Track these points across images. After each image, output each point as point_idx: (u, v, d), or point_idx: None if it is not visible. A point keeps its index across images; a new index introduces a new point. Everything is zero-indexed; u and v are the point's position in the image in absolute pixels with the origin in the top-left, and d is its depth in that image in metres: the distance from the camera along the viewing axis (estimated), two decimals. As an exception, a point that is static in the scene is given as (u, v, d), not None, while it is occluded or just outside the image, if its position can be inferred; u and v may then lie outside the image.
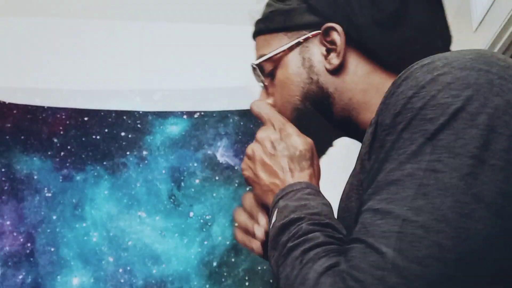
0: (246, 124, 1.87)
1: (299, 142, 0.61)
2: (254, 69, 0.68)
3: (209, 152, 1.84)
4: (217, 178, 1.81)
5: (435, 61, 0.48)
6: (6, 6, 1.99)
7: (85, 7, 2.00)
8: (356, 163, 0.56)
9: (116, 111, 1.87)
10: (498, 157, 0.42)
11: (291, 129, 0.62)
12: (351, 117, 0.63)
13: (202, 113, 1.89)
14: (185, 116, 1.89)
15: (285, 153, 0.60)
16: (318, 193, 0.57)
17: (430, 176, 0.42)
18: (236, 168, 1.82)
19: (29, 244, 1.69)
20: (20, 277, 1.66)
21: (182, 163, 1.82)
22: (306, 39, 0.63)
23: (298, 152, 0.60)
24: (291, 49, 0.64)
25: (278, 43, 0.65)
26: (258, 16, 0.71)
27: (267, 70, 0.67)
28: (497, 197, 0.41)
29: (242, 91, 1.87)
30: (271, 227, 0.55)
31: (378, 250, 0.41)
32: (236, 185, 1.79)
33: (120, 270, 1.69)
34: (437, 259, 0.40)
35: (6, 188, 1.74)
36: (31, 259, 1.68)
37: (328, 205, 0.56)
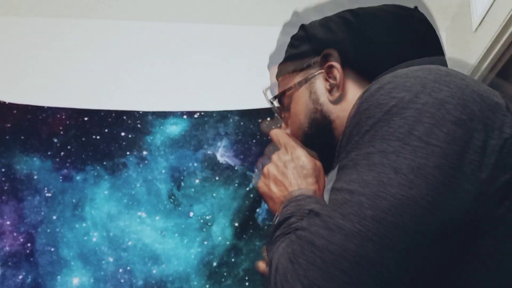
0: (246, 124, 1.87)
1: (307, 162, 0.72)
2: (271, 103, 0.84)
3: (209, 152, 1.84)
4: (217, 178, 1.81)
5: (386, 75, 0.58)
6: (6, 6, 1.99)
7: (85, 7, 2.00)
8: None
9: (116, 111, 1.87)
10: (420, 139, 0.50)
11: (301, 152, 0.74)
12: None
13: (202, 113, 1.89)
14: (185, 116, 1.89)
15: (294, 171, 0.72)
16: (316, 199, 0.65)
17: (365, 157, 0.52)
18: (236, 168, 1.82)
19: (29, 244, 1.69)
20: (20, 277, 1.66)
21: (182, 163, 1.82)
22: (313, 77, 0.76)
23: (305, 171, 0.71)
24: (300, 85, 0.77)
25: (292, 81, 0.79)
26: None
27: (285, 105, 0.81)
28: (414, 170, 0.48)
29: (242, 91, 1.87)
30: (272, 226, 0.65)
31: (317, 213, 0.52)
32: (236, 185, 1.79)
33: (120, 270, 1.69)
34: (357, 214, 0.48)
35: (6, 188, 1.74)
36: (31, 259, 1.68)
37: (324, 204, 0.63)
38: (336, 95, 0.72)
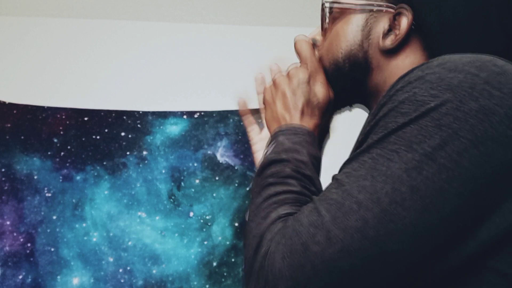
0: (246, 124, 1.87)
1: (321, 91, 0.66)
2: (323, 9, 0.71)
3: (209, 152, 1.84)
4: (217, 178, 1.81)
5: (434, 61, 0.50)
6: (6, 6, 1.99)
7: (85, 7, 2.00)
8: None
9: (116, 111, 1.87)
10: (450, 158, 0.44)
11: (320, 77, 0.67)
12: (376, 95, 0.65)
13: (202, 113, 1.89)
14: (185, 116, 1.89)
15: (305, 95, 0.66)
16: (314, 143, 0.62)
17: (384, 163, 0.46)
18: (236, 168, 1.82)
19: (29, 244, 1.69)
20: (20, 277, 1.66)
21: (182, 163, 1.82)
22: (379, 9, 0.65)
23: (316, 99, 0.66)
24: (362, 10, 0.66)
25: None
26: None
27: (333, 14, 0.70)
28: (433, 194, 0.44)
29: (242, 91, 1.87)
30: (264, 155, 0.61)
31: (319, 212, 0.48)
32: (236, 185, 1.79)
33: (120, 270, 1.69)
34: (359, 231, 0.45)
35: (6, 188, 1.74)
36: (31, 259, 1.68)
37: (318, 159, 0.61)
38: (388, 45, 0.63)
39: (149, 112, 1.89)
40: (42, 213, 1.72)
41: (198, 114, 1.89)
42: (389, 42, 0.64)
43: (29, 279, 1.66)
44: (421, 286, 0.47)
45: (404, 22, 0.62)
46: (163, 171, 1.81)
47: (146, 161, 1.82)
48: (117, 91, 1.92)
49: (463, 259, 0.46)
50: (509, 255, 0.46)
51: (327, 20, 0.71)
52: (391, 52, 0.63)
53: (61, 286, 1.66)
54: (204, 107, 1.90)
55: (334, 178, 0.51)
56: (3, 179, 1.75)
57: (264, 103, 0.72)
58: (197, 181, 1.81)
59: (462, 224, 0.45)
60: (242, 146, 1.84)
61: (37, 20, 2.03)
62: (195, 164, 1.83)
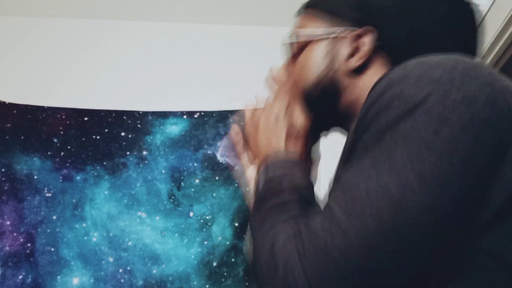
0: (246, 124, 1.87)
1: (300, 120, 0.69)
2: (288, 38, 0.74)
3: (209, 152, 1.84)
4: (217, 178, 1.81)
5: (411, 61, 0.53)
6: (6, 6, 1.99)
7: (85, 7, 2.00)
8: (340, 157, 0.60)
9: (116, 111, 1.87)
10: (447, 143, 0.47)
11: (296, 107, 0.70)
12: (352, 115, 0.66)
13: (202, 113, 1.89)
14: (185, 116, 1.89)
15: (285, 126, 0.68)
16: (303, 166, 0.64)
17: (385, 159, 0.48)
18: (236, 168, 1.82)
19: (29, 244, 1.69)
20: (20, 277, 1.66)
21: (182, 163, 1.82)
22: (342, 32, 0.67)
23: (296, 128, 0.69)
24: (325, 36, 0.68)
25: (318, 24, 0.70)
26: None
27: (297, 45, 0.72)
28: (440, 179, 0.46)
29: (242, 91, 1.87)
30: (258, 188, 0.62)
31: (333, 217, 0.48)
32: (236, 185, 1.79)
33: (120, 270, 1.69)
34: (375, 218, 0.46)
35: (6, 188, 1.74)
36: (31, 259, 1.68)
37: (310, 185, 0.62)
38: (354, 65, 0.65)
39: (149, 112, 1.89)
40: (42, 213, 1.72)
41: (198, 114, 1.89)
42: (354, 62, 0.66)
43: (29, 279, 1.66)
44: (439, 266, 0.48)
45: (368, 41, 0.65)
46: (163, 171, 1.81)
47: (146, 161, 1.82)
48: (117, 91, 1.92)
49: (471, 242, 0.48)
50: (500, 238, 0.48)
51: (290, 52, 0.74)
52: (358, 72, 0.66)
53: (61, 286, 1.66)
54: (204, 107, 1.90)
55: (336, 184, 0.52)
56: (3, 179, 1.75)
57: (247, 140, 0.74)
58: (197, 181, 1.81)
59: (469, 205, 0.47)
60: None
61: (37, 20, 2.03)
62: (195, 164, 1.83)
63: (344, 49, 0.67)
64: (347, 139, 0.57)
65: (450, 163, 0.46)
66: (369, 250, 0.46)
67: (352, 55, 0.66)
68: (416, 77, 0.50)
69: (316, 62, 0.68)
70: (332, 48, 0.68)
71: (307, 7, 0.74)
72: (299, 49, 0.72)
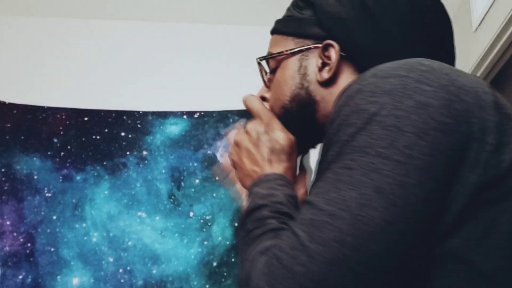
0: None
1: (281, 137, 0.70)
2: (258, 63, 0.77)
3: (209, 152, 1.84)
4: (217, 178, 1.81)
5: (367, 72, 0.55)
6: (6, 6, 1.99)
7: (85, 7, 2.00)
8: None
9: (116, 111, 1.87)
10: (400, 153, 0.47)
11: (276, 125, 0.71)
12: None
13: (202, 113, 1.89)
14: (185, 116, 1.89)
15: (268, 145, 0.69)
16: (289, 184, 0.65)
17: (345, 173, 0.49)
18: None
19: (29, 244, 1.69)
20: (20, 277, 1.66)
21: (182, 163, 1.82)
22: (307, 49, 0.70)
23: (279, 146, 0.69)
24: (293, 54, 0.71)
25: (285, 46, 0.72)
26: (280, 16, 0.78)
27: (270, 67, 0.75)
28: (396, 189, 0.46)
29: (242, 91, 1.87)
30: (243, 210, 0.63)
31: (296, 233, 0.49)
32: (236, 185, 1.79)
33: (120, 270, 1.69)
34: (337, 241, 0.46)
35: (6, 188, 1.74)
36: (31, 259, 1.68)
37: (293, 196, 0.63)
38: (325, 77, 0.67)
39: (149, 112, 1.89)
40: (42, 213, 1.72)
41: (198, 114, 1.89)
42: (325, 74, 0.68)
43: (29, 279, 1.66)
44: (407, 276, 0.49)
45: (333, 53, 0.67)
46: (163, 171, 1.81)
47: (146, 161, 1.82)
48: (117, 91, 1.92)
49: (432, 246, 0.48)
50: (465, 240, 0.48)
51: (267, 74, 0.76)
52: (330, 83, 0.68)
53: (61, 286, 1.66)
54: (204, 107, 1.90)
55: (304, 201, 0.53)
56: (3, 179, 1.75)
57: (233, 166, 0.75)
58: (197, 181, 1.81)
59: (430, 212, 0.48)
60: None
61: (37, 20, 2.03)
62: (195, 164, 1.83)
63: (311, 65, 0.70)
64: (317, 159, 0.59)
65: (406, 173, 0.47)
66: (331, 271, 0.46)
67: (322, 68, 0.68)
68: (370, 90, 0.52)
69: (290, 76, 0.71)
70: (300, 67, 0.70)
71: (272, 33, 0.77)
72: (272, 69, 0.75)
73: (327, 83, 0.68)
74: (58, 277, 1.67)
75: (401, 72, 0.52)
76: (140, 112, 1.88)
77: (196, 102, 1.91)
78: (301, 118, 0.70)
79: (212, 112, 1.89)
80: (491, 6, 1.66)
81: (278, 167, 0.68)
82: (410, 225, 0.46)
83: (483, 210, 0.48)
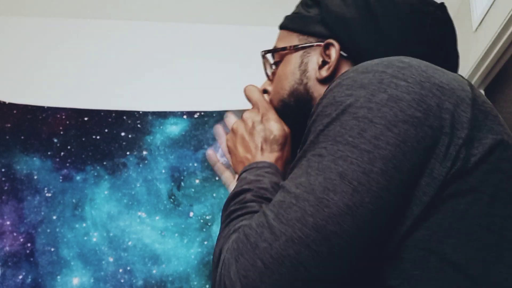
0: (246, 124, 1.88)
1: (276, 127, 0.72)
2: (263, 56, 0.80)
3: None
4: (217, 178, 1.81)
5: (350, 68, 0.57)
6: (6, 6, 1.99)
7: (85, 7, 2.01)
8: None
9: (116, 111, 1.87)
10: (369, 143, 0.49)
11: (272, 115, 0.74)
12: None
13: (202, 113, 1.89)
14: (185, 116, 1.89)
15: (261, 134, 0.72)
16: (277, 173, 0.67)
17: (316, 160, 0.52)
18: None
19: (29, 244, 1.69)
20: (20, 277, 1.66)
21: (182, 163, 1.82)
22: (310, 46, 0.72)
23: (273, 136, 0.72)
24: (296, 50, 0.73)
25: (289, 41, 0.75)
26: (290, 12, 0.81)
27: (274, 61, 0.78)
28: (360, 176, 0.49)
29: (242, 91, 1.87)
30: (229, 193, 0.66)
31: (265, 213, 0.52)
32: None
33: (120, 270, 1.69)
34: (299, 221, 0.49)
35: (6, 188, 1.74)
36: (31, 259, 1.68)
37: (279, 184, 0.64)
38: (324, 75, 0.69)
39: (149, 112, 1.89)
40: (42, 213, 1.72)
41: (198, 114, 1.89)
42: (324, 72, 0.70)
43: (29, 279, 1.66)
44: (370, 262, 0.50)
45: (333, 53, 0.69)
46: (163, 171, 1.81)
47: (146, 161, 1.82)
48: (117, 91, 1.92)
49: (399, 237, 0.50)
50: (435, 232, 0.50)
51: (267, 66, 0.80)
52: (328, 80, 0.70)
53: (61, 286, 1.66)
54: (204, 107, 1.90)
55: (279, 185, 0.56)
56: (3, 179, 1.75)
57: (229, 151, 0.78)
58: (197, 181, 1.81)
59: (393, 201, 0.49)
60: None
61: (37, 20, 2.03)
62: (195, 164, 1.83)
63: (312, 62, 0.72)
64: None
65: (371, 161, 0.49)
66: (291, 248, 0.48)
67: (320, 67, 0.71)
68: (347, 84, 0.54)
69: (291, 71, 0.73)
70: (301, 63, 0.73)
71: (280, 28, 0.80)
72: (275, 64, 0.77)
73: (325, 81, 0.70)
74: (58, 277, 1.67)
75: (379, 68, 0.54)
76: (140, 112, 1.88)
77: (196, 102, 1.91)
78: (298, 112, 0.72)
79: (212, 112, 1.89)
80: (491, 6, 1.66)
81: (269, 156, 0.70)
82: (369, 211, 0.48)
83: (453, 202, 0.50)
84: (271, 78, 0.79)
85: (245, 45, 2.02)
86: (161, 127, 1.87)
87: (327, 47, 0.70)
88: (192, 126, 1.87)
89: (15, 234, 1.70)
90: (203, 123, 1.88)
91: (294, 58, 0.73)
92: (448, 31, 0.70)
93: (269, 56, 0.79)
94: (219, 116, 1.89)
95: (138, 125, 1.86)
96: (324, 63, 0.70)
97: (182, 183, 1.80)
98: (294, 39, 0.74)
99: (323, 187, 0.49)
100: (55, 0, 1.97)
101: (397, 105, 0.51)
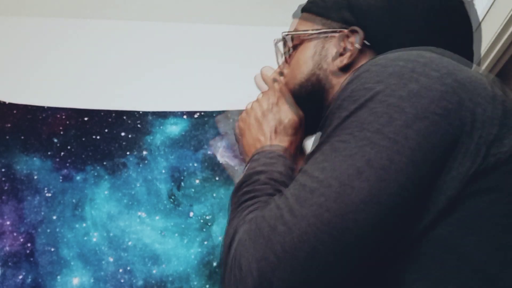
0: (246, 124, 1.87)
1: (291, 111, 0.71)
2: (283, 38, 0.77)
3: (209, 152, 1.84)
4: (217, 178, 1.81)
5: (377, 57, 0.56)
6: (6, 6, 1.99)
7: (85, 7, 2.00)
8: None
9: (116, 111, 1.87)
10: (398, 131, 0.48)
11: (288, 99, 0.72)
12: None
13: (202, 113, 1.89)
14: (185, 116, 1.89)
15: (276, 117, 0.71)
16: (290, 157, 0.66)
17: (341, 146, 0.50)
18: (236, 168, 1.82)
19: (29, 244, 1.69)
20: (20, 277, 1.66)
21: (182, 163, 1.82)
22: (333, 32, 0.70)
23: (288, 119, 0.70)
24: (318, 35, 0.72)
25: (312, 25, 0.73)
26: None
27: (293, 44, 0.76)
28: (386, 164, 0.48)
29: (242, 91, 1.87)
30: (241, 175, 0.65)
31: (286, 196, 0.51)
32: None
33: (120, 270, 1.69)
34: (322, 206, 0.48)
35: (6, 188, 1.74)
36: (31, 259, 1.68)
37: (293, 169, 0.65)
38: (344, 62, 0.68)
39: (149, 112, 1.89)
40: (42, 213, 1.72)
41: (198, 114, 1.89)
42: (345, 60, 0.68)
43: (29, 279, 1.66)
44: (388, 255, 0.49)
45: (356, 41, 0.67)
46: (163, 171, 1.81)
47: (146, 161, 1.82)
48: (117, 91, 1.92)
49: (419, 232, 0.49)
50: (454, 229, 0.49)
51: (285, 49, 0.77)
52: (348, 69, 0.68)
53: (61, 286, 1.66)
54: (204, 107, 1.90)
55: (300, 170, 0.55)
56: (3, 179, 1.75)
57: (240, 132, 0.76)
58: (197, 181, 1.81)
59: (417, 193, 0.48)
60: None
61: (37, 20, 2.03)
62: (195, 164, 1.83)
63: (333, 49, 0.70)
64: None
65: (399, 151, 0.48)
66: (311, 230, 0.47)
67: (340, 54, 0.69)
68: (377, 71, 0.53)
69: (310, 57, 0.71)
70: (322, 48, 0.71)
71: (302, 11, 0.78)
72: (294, 47, 0.75)
73: (345, 69, 0.68)
74: (58, 277, 1.67)
75: (410, 57, 0.53)
76: (140, 112, 1.88)
77: (196, 102, 1.91)
78: (314, 98, 0.71)
79: (212, 112, 1.89)
80: (491, 6, 1.66)
81: (283, 140, 0.69)
82: (394, 201, 0.47)
83: (473, 201, 0.49)
84: (288, 61, 0.77)
85: (245, 45, 2.02)
86: (161, 127, 1.87)
87: (350, 34, 0.68)
88: (192, 126, 1.87)
89: (15, 234, 1.70)
90: (203, 123, 1.88)
91: (315, 43, 0.71)
92: (468, 28, 0.71)
93: (287, 38, 0.77)
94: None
95: (138, 125, 1.86)
96: (345, 50, 0.68)
97: (182, 183, 1.80)
98: (317, 23, 0.73)
99: (348, 173, 0.48)
100: (55, 0, 1.97)
101: (428, 96, 0.49)
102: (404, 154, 0.48)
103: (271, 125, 0.70)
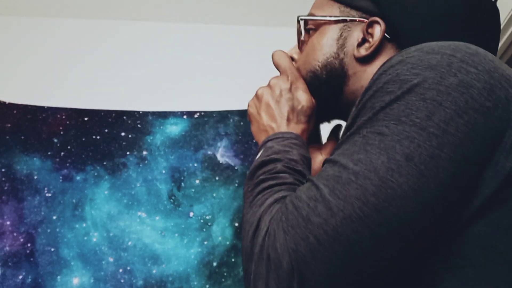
0: (246, 124, 1.87)
1: (304, 98, 0.69)
2: (298, 22, 0.74)
3: (209, 152, 1.84)
4: (217, 178, 1.81)
5: (412, 47, 0.54)
6: (6, 6, 1.99)
7: (85, 7, 2.00)
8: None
9: (116, 111, 1.87)
10: (438, 126, 0.47)
11: (301, 85, 0.70)
12: (353, 105, 0.67)
13: (202, 113, 1.89)
14: (185, 116, 1.89)
15: (289, 103, 0.68)
16: (304, 145, 0.64)
17: (375, 138, 0.49)
18: (236, 168, 1.82)
19: (29, 244, 1.69)
20: (20, 277, 1.66)
21: (182, 163, 1.82)
22: (352, 20, 0.68)
23: (300, 106, 0.68)
24: (336, 22, 0.69)
25: (330, 11, 0.71)
26: None
27: (307, 28, 0.74)
28: (427, 160, 0.46)
29: (242, 91, 1.87)
30: (255, 160, 0.63)
31: (317, 187, 0.49)
32: (236, 185, 1.79)
33: (120, 270, 1.69)
34: (359, 199, 0.46)
35: (6, 188, 1.74)
36: (31, 259, 1.68)
37: (308, 158, 0.63)
38: (363, 53, 0.66)
39: (149, 112, 1.89)
40: (42, 213, 1.72)
41: (198, 114, 1.89)
42: (363, 50, 0.66)
43: (29, 279, 1.66)
44: (424, 251, 0.48)
45: (377, 31, 0.65)
46: (163, 171, 1.81)
47: (146, 161, 1.82)
48: (117, 91, 1.92)
49: (456, 231, 0.48)
50: (492, 229, 0.48)
51: (303, 34, 0.74)
52: (367, 60, 0.66)
53: (61, 286, 1.66)
54: (204, 107, 1.90)
55: (327, 160, 0.53)
56: (3, 179, 1.75)
57: (249, 118, 0.73)
58: (197, 181, 1.81)
59: (457, 190, 0.47)
60: (242, 146, 1.84)
61: (37, 20, 2.03)
62: (195, 165, 1.83)
63: (355, 36, 0.68)
64: (346, 125, 0.58)
65: (439, 146, 0.47)
66: (348, 226, 0.46)
67: (362, 43, 0.67)
68: (413, 62, 0.51)
69: (327, 44, 0.69)
70: (344, 34, 0.68)
71: None
72: (309, 31, 0.73)
73: (363, 60, 0.67)
74: (58, 277, 1.67)
75: (447, 50, 0.51)
76: (140, 112, 1.88)
77: (196, 102, 1.91)
78: (327, 87, 0.69)
79: (212, 112, 1.89)
80: (491, 6, 1.66)
81: (295, 127, 0.67)
82: (434, 197, 0.46)
83: None
84: (300, 46, 0.75)
85: (245, 45, 2.02)
86: (161, 127, 1.87)
87: (371, 24, 0.66)
88: (192, 126, 1.87)
89: (15, 234, 1.70)
90: (203, 123, 1.87)
91: (333, 30, 0.69)
92: (497, 26, 0.69)
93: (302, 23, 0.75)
94: (219, 116, 1.89)
95: (138, 125, 1.86)
96: (364, 40, 0.67)
97: (182, 183, 1.80)
98: (335, 10, 0.70)
99: (386, 167, 0.47)
100: (55, 0, 1.97)
101: (468, 91, 0.48)
102: (444, 150, 0.47)
103: (283, 111, 0.68)
